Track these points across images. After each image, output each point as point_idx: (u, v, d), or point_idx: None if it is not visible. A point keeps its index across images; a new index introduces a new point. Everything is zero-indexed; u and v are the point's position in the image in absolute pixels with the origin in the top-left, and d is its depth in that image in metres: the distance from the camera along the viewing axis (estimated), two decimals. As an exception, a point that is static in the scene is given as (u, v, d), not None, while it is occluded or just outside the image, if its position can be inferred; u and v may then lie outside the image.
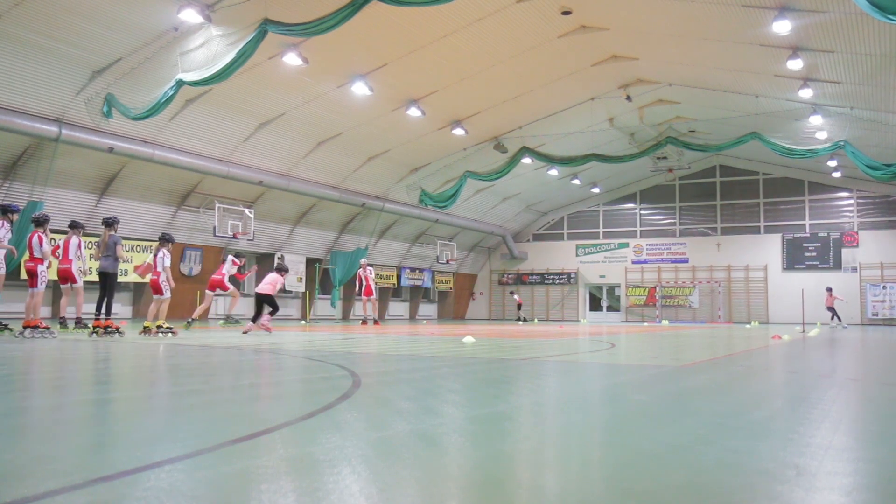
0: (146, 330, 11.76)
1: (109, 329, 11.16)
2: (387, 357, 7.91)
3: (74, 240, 12.70)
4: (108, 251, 11.57)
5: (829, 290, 28.03)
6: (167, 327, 11.99)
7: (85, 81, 16.87)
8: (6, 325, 11.54)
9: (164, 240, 12.38)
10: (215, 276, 17.01)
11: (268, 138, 22.05)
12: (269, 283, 14.21)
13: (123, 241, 12.08)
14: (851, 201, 33.67)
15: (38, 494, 1.94)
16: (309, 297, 28.71)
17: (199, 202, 23.58)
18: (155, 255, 12.35)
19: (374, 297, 21.85)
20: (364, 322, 21.58)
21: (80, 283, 12.82)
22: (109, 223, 11.68)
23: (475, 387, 5.02)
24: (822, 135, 24.56)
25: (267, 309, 13.85)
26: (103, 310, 11.46)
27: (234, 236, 24.03)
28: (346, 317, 31.52)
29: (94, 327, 11.18)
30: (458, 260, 37.92)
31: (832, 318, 27.47)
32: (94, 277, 12.70)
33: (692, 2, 16.24)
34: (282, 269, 14.62)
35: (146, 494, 1.97)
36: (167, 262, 12.23)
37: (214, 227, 23.32)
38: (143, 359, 7.41)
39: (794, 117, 23.69)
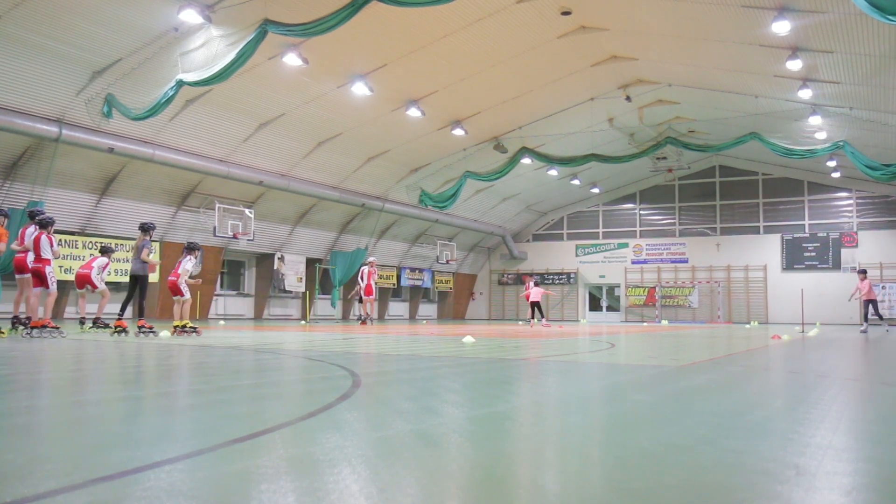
0: (176, 329, 12.24)
1: (119, 329, 11.54)
2: (387, 357, 7.91)
3: (103, 260, 13.84)
4: (139, 254, 12.15)
5: (864, 273, 20.16)
6: (191, 326, 12.49)
7: (85, 82, 16.86)
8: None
9: (191, 248, 13.03)
10: (527, 292, 24.52)
11: (268, 138, 22.05)
12: (539, 293, 23.68)
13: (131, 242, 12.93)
14: (851, 201, 33.67)
15: (38, 494, 1.94)
16: (309, 297, 28.71)
17: (199, 202, 23.58)
18: (180, 262, 12.93)
19: (373, 296, 21.97)
20: (363, 322, 21.63)
21: (101, 287, 13.74)
22: (145, 228, 12.17)
23: (475, 387, 5.02)
24: (821, 135, 24.56)
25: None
26: (123, 310, 12.28)
27: (235, 236, 24.04)
28: (345, 317, 31.52)
29: (139, 327, 11.65)
30: (458, 260, 37.92)
31: (871, 315, 19.72)
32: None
33: (692, 2, 16.24)
34: (538, 283, 22.70)
35: (146, 494, 1.97)
36: (194, 270, 12.98)
37: (214, 228, 23.34)
38: (144, 359, 7.41)
39: (793, 117, 23.69)
